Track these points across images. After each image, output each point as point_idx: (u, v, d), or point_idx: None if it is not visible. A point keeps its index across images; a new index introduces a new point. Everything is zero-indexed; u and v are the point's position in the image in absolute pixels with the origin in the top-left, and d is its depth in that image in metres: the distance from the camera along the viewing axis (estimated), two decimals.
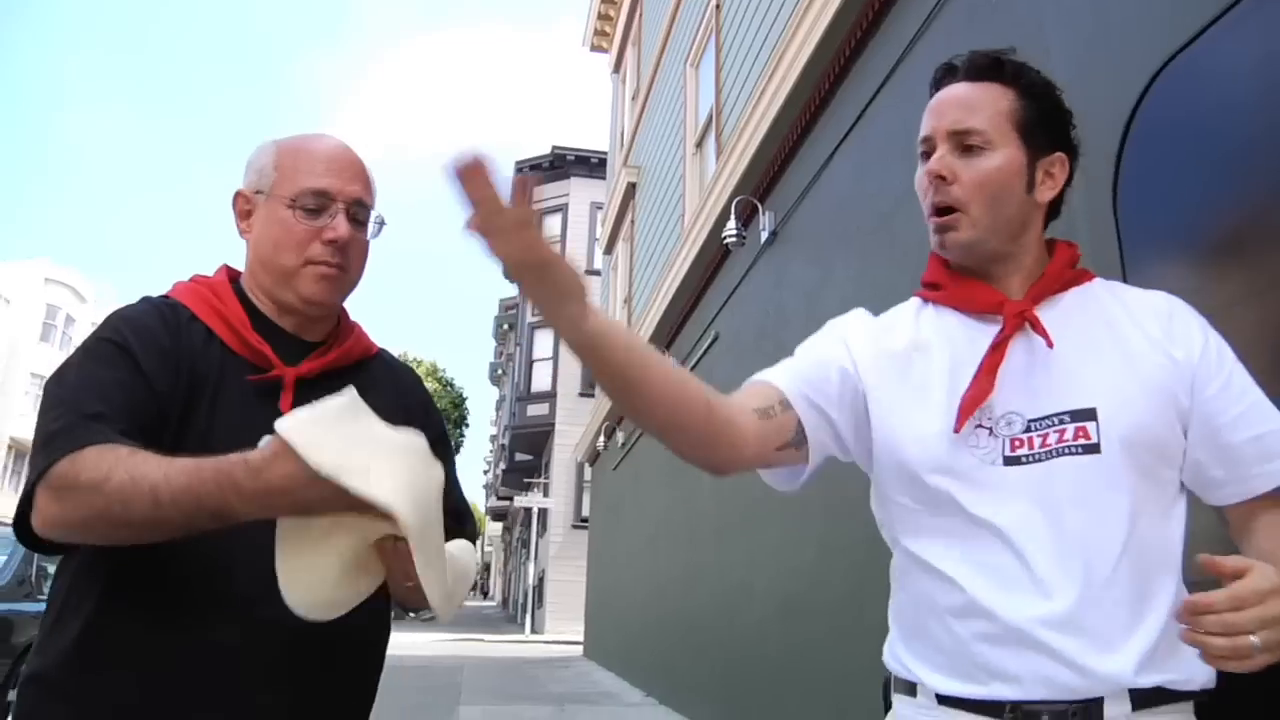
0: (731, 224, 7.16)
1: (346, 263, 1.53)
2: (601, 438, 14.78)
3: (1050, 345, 1.34)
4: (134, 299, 1.52)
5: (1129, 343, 1.36)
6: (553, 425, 25.56)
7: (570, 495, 24.98)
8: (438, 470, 1.30)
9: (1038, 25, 3.40)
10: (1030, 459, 1.31)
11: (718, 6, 9.37)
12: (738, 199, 7.22)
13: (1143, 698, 1.23)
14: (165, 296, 1.50)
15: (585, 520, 21.06)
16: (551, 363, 26.07)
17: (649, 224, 12.77)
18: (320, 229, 1.49)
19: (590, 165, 26.40)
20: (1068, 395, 1.33)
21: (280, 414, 1.42)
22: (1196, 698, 1.27)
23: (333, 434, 1.19)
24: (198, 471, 1.19)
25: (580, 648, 17.52)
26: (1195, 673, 1.25)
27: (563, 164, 27.00)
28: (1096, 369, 1.34)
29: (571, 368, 25.67)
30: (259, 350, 1.46)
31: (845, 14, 5.27)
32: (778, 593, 6.04)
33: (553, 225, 27.18)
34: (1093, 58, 3.03)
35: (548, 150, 27.21)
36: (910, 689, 1.37)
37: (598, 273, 20.90)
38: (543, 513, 26.23)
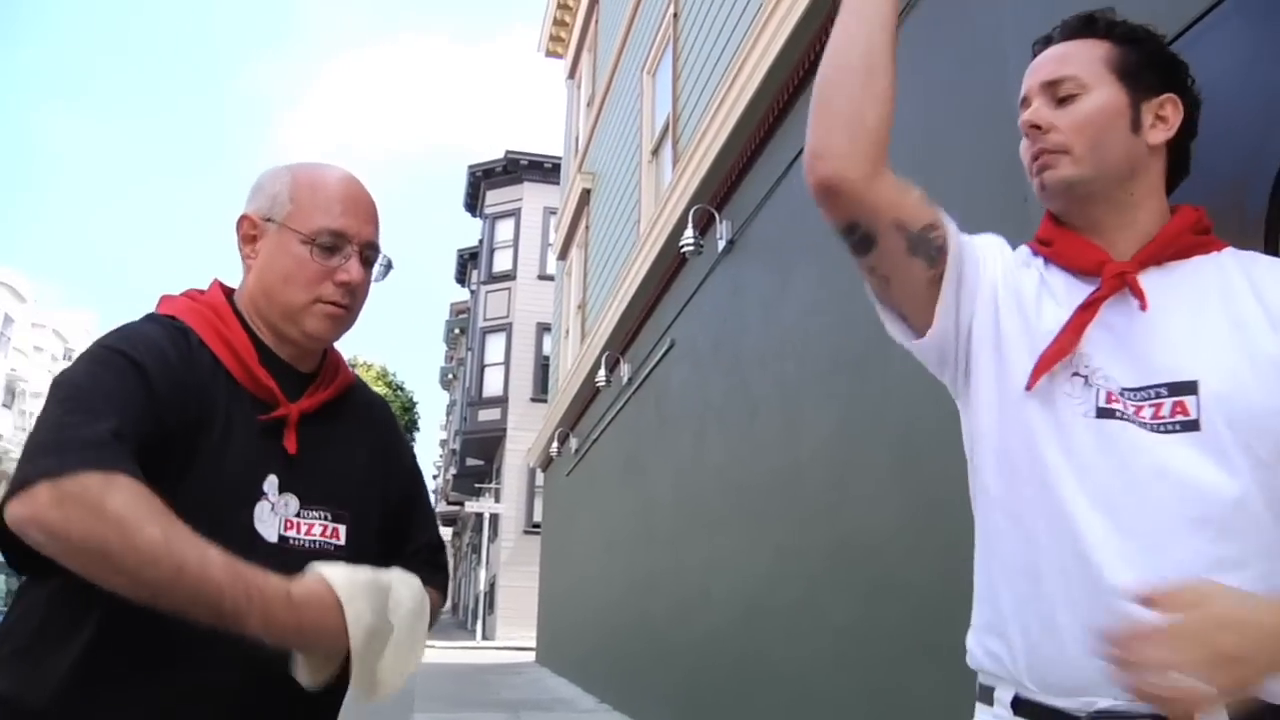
0: (689, 233, 7.20)
1: (353, 303, 1.52)
2: (555, 444, 14.77)
3: (1144, 307, 1.25)
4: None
5: (1244, 315, 1.24)
6: (504, 430, 25.48)
7: (522, 501, 24.92)
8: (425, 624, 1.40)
9: (995, 38, 3.48)
10: (1124, 417, 1.22)
11: (675, 15, 9.42)
12: (695, 208, 7.26)
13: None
14: (169, 316, 1.45)
15: (537, 526, 21.00)
16: (504, 368, 26.00)
17: (604, 230, 12.80)
18: (333, 269, 1.48)
19: (544, 170, 26.41)
20: (1167, 367, 1.22)
21: (284, 451, 1.43)
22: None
23: (369, 611, 1.27)
24: (234, 575, 1.18)
25: (532, 654, 17.47)
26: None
27: (516, 168, 26.98)
28: (1201, 340, 1.23)
29: (524, 373, 25.61)
30: (266, 386, 1.44)
31: (806, 25, 5.33)
32: (736, 598, 6.08)
33: (505, 230, 27.14)
34: None
35: (501, 155, 27.16)
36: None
37: (551, 278, 20.87)
38: (494, 518, 26.14)
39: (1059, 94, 1.35)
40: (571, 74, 17.85)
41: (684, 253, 7.38)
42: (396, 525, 1.63)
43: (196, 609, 1.16)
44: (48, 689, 1.26)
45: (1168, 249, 1.31)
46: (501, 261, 27.05)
